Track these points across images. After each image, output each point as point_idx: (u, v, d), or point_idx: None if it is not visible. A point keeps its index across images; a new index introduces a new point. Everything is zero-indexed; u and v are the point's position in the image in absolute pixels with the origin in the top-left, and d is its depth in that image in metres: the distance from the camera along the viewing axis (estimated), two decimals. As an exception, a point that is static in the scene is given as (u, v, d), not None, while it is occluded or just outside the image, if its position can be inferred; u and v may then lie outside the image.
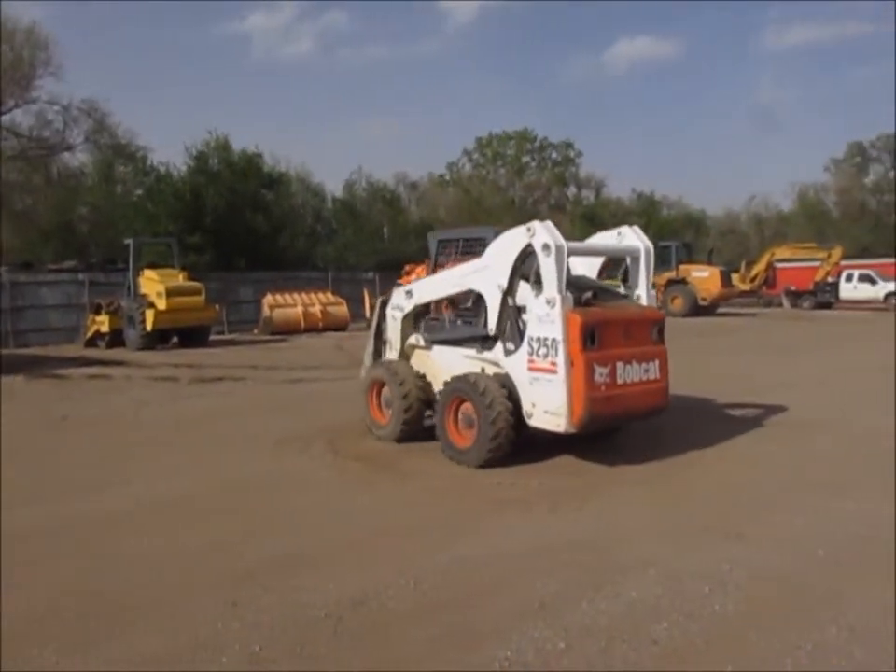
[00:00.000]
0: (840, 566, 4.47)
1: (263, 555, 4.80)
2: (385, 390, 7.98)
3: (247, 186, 34.81)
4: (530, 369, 6.57)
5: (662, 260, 19.72)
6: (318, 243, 42.65)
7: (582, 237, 8.81)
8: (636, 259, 7.30)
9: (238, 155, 35.30)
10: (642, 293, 7.25)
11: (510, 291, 6.81)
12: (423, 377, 7.89)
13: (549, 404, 6.41)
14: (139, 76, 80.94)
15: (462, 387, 6.98)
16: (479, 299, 7.28)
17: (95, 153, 37.00)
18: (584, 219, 50.15)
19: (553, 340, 6.33)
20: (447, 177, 59.49)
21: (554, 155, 60.63)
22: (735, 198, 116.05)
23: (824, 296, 34.78)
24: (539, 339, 6.48)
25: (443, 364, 7.70)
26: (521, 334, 6.71)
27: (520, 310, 6.79)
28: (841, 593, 4.09)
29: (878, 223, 59.12)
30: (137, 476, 6.88)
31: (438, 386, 7.64)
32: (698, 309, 28.22)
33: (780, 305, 36.40)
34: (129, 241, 22.15)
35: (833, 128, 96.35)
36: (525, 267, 6.74)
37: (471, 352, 7.35)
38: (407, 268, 22.99)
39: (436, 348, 7.90)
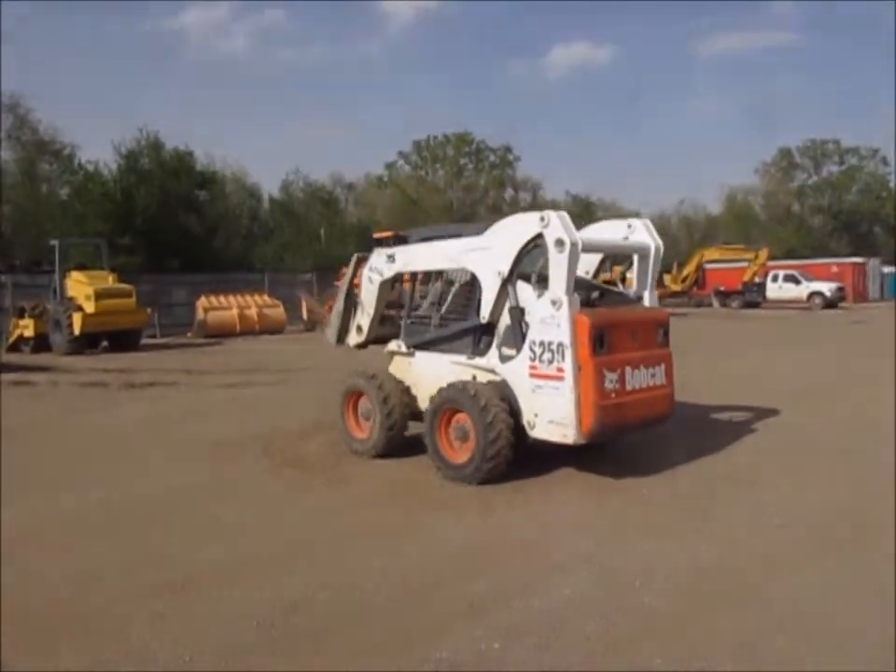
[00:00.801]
0: (762, 556, 4.61)
1: (193, 564, 4.68)
2: (364, 401, 7.35)
3: (180, 185, 34.05)
4: (532, 375, 6.06)
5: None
6: (255, 244, 42.03)
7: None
8: (644, 258, 6.85)
9: (170, 154, 34.49)
10: (646, 293, 6.86)
11: (509, 280, 6.26)
12: (406, 387, 7.25)
13: (554, 414, 5.94)
14: (68, 72, 78.47)
15: (458, 398, 6.32)
16: (472, 290, 6.78)
17: (17, 150, 35.68)
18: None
19: (560, 344, 5.86)
20: (385, 178, 59.31)
21: (492, 158, 61.13)
22: (666, 200, 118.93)
23: (752, 296, 36.11)
24: (542, 343, 5.99)
25: (429, 372, 7.01)
26: (522, 337, 6.21)
27: (521, 311, 6.27)
28: (765, 583, 4.22)
29: (802, 226, 61.70)
30: (63, 486, 6.63)
31: (423, 396, 6.94)
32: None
33: (710, 305, 37.56)
34: (55, 241, 21.42)
35: (761, 133, 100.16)
36: (525, 263, 6.32)
37: (461, 358, 6.72)
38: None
39: (419, 355, 7.21)
